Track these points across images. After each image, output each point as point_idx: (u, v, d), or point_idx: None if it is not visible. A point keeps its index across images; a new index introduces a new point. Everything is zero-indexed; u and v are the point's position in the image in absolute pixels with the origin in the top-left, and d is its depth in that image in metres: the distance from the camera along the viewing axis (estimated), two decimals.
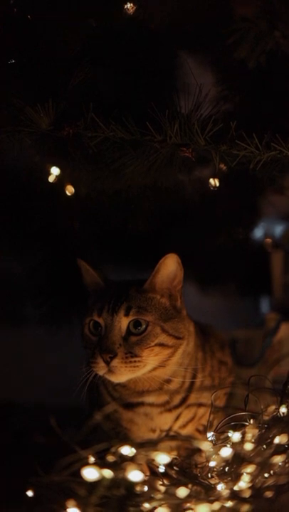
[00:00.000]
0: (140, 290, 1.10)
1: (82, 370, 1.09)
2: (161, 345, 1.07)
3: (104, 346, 1.05)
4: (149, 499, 0.87)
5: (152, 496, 0.87)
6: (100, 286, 1.15)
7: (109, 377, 1.07)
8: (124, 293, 1.09)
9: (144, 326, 1.07)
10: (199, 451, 0.96)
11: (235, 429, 0.97)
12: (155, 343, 1.07)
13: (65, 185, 1.33)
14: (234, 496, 0.87)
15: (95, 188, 1.33)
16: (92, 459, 0.89)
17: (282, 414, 0.98)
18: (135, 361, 1.05)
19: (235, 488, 0.89)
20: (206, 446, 0.94)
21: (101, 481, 0.84)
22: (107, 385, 1.15)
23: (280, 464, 0.91)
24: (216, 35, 1.17)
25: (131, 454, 0.89)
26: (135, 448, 0.90)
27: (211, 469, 0.95)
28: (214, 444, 0.96)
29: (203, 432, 1.17)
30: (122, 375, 1.06)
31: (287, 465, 0.90)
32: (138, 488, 0.87)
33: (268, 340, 1.46)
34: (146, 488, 0.88)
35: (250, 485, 0.88)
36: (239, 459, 0.91)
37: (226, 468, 0.93)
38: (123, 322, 1.07)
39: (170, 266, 1.10)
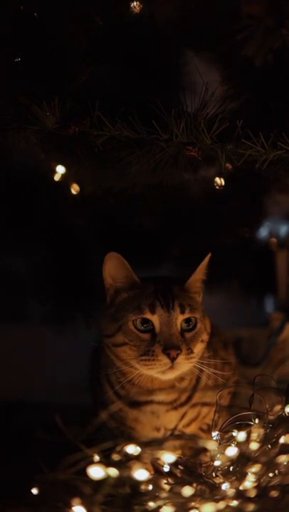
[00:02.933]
0: (182, 289, 1.11)
1: (94, 367, 1.08)
2: (202, 341, 1.10)
3: (169, 343, 1.05)
4: (154, 498, 0.87)
5: (157, 494, 0.87)
6: (132, 283, 1.12)
7: (164, 375, 1.06)
8: (168, 291, 1.10)
9: (193, 323, 1.09)
10: (204, 450, 0.96)
11: (239, 428, 0.97)
12: (201, 339, 1.09)
13: (70, 183, 1.33)
14: (239, 495, 0.87)
15: (100, 186, 1.33)
16: (97, 458, 0.89)
17: (287, 414, 0.97)
18: (192, 357, 1.07)
19: (241, 487, 0.88)
20: (211, 445, 0.94)
21: (106, 479, 0.84)
22: (114, 383, 1.15)
23: (285, 463, 0.91)
24: (222, 33, 1.16)
25: (136, 453, 0.89)
26: (140, 447, 0.89)
27: (216, 468, 0.95)
28: (219, 444, 0.96)
29: (207, 431, 1.17)
30: (179, 371, 1.06)
31: None
32: (143, 487, 0.87)
33: (273, 340, 1.46)
34: (151, 487, 0.88)
35: (255, 484, 0.88)
36: (244, 459, 0.91)
37: (231, 468, 0.93)
38: (179, 319, 1.08)
39: (205, 265, 1.13)
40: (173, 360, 1.04)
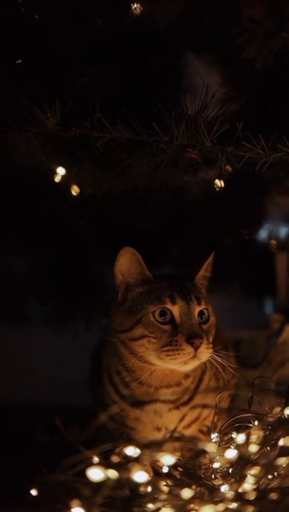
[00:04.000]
0: (192, 284, 1.14)
1: (95, 367, 1.08)
2: (212, 335, 1.12)
3: (192, 332, 1.06)
4: (153, 500, 0.87)
5: (156, 496, 0.87)
6: (145, 278, 1.12)
7: (186, 365, 1.07)
8: (182, 284, 1.11)
9: (206, 316, 1.11)
10: (204, 452, 0.96)
11: (239, 430, 0.97)
12: (212, 333, 1.12)
13: (71, 184, 1.34)
14: (238, 497, 0.87)
15: (100, 187, 1.33)
16: (96, 459, 0.89)
17: (286, 416, 0.97)
18: (210, 347, 1.08)
19: (240, 489, 0.88)
20: (210, 447, 0.94)
21: (106, 481, 0.84)
22: (117, 383, 1.15)
23: (284, 465, 0.91)
24: (223, 35, 1.16)
25: (135, 455, 0.89)
26: (140, 449, 0.90)
27: (215, 470, 0.95)
28: (218, 446, 0.96)
29: (207, 432, 1.17)
30: (200, 360, 1.07)
31: None
32: (142, 489, 0.87)
33: (272, 342, 1.46)
34: (150, 489, 0.88)
35: (254, 487, 0.88)
36: (244, 461, 0.91)
37: (230, 470, 0.93)
38: (196, 310, 1.10)
39: (210, 262, 1.17)
40: (196, 348, 1.05)
